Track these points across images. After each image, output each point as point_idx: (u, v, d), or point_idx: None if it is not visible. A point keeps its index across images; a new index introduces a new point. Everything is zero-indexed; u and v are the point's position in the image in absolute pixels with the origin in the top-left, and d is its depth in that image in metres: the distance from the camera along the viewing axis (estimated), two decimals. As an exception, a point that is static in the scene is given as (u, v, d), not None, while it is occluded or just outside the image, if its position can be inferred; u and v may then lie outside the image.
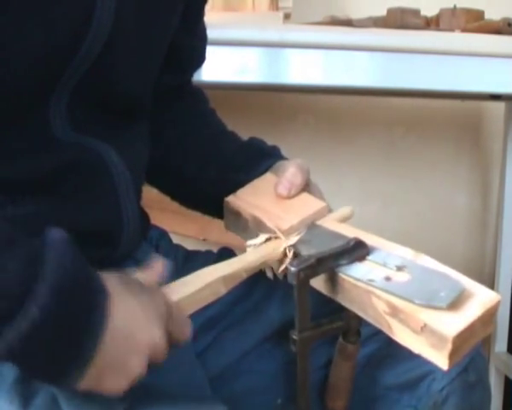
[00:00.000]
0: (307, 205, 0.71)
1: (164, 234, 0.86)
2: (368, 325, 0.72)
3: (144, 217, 0.81)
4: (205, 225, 1.46)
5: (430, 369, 0.77)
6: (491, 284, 1.64)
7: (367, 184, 1.77)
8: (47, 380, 0.52)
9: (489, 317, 0.56)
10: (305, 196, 0.73)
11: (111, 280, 0.52)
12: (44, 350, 0.48)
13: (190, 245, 0.88)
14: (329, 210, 0.72)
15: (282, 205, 0.72)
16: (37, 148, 0.62)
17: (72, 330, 0.49)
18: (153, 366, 0.54)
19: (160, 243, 0.84)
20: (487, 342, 1.68)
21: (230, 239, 0.78)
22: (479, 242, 1.84)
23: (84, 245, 0.65)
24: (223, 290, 0.63)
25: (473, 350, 0.78)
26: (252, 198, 0.74)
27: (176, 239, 0.88)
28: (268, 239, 0.68)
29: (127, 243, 0.70)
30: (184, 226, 1.44)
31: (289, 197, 0.72)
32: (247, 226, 0.72)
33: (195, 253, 0.86)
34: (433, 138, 1.78)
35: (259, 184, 0.76)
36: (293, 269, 0.60)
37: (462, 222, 1.83)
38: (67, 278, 0.48)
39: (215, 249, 0.87)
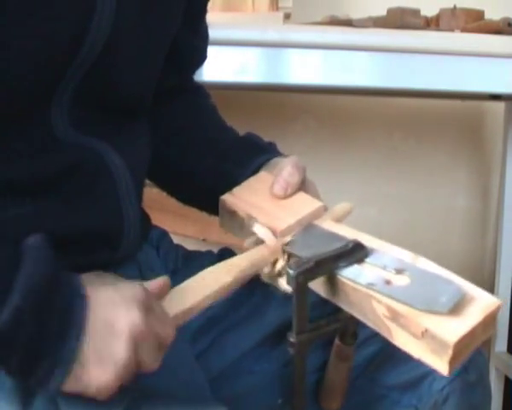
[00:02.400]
0: (304, 205, 0.71)
1: (164, 234, 0.86)
2: (368, 326, 0.72)
3: (145, 218, 0.81)
4: (205, 225, 1.46)
5: (430, 369, 0.77)
6: (491, 284, 1.64)
7: (366, 185, 1.77)
8: (35, 381, 0.51)
9: (489, 321, 0.56)
10: (301, 195, 0.72)
11: (87, 278, 0.54)
12: (24, 350, 0.49)
13: (190, 245, 0.88)
14: (326, 209, 0.72)
15: (278, 204, 0.71)
16: (39, 149, 0.62)
17: (51, 329, 0.49)
18: (144, 359, 0.53)
19: (161, 243, 0.83)
20: (487, 342, 1.68)
21: (230, 239, 0.77)
22: (479, 243, 1.84)
23: (85, 246, 0.65)
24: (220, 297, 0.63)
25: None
26: (248, 197, 0.73)
27: (176, 239, 0.88)
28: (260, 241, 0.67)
29: (128, 244, 0.70)
30: (185, 227, 1.44)
31: (285, 197, 0.71)
32: (242, 225, 0.71)
33: (195, 253, 0.86)
34: (433, 139, 1.78)
35: (255, 182, 0.75)
36: (292, 272, 0.59)
37: (461, 223, 1.83)
38: (40, 283, 0.50)
39: (215, 250, 0.87)
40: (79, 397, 0.58)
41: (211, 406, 0.64)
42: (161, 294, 0.59)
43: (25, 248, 0.52)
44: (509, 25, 1.21)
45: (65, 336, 0.50)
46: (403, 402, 0.79)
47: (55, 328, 0.50)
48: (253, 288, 0.80)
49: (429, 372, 0.77)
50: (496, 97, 1.49)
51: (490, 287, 1.60)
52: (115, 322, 0.52)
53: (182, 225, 1.42)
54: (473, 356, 0.77)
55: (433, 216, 1.80)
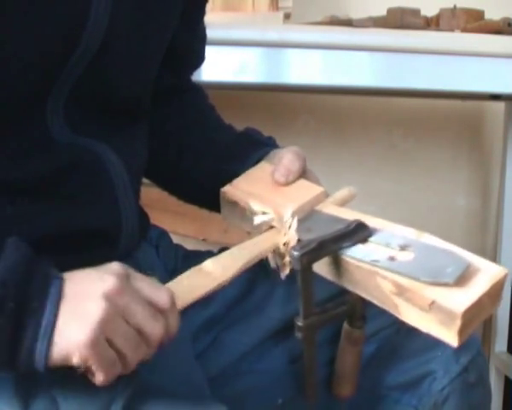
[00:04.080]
0: (305, 191, 0.71)
1: (164, 234, 0.86)
2: (368, 324, 0.72)
3: (144, 217, 0.81)
4: (205, 225, 1.46)
5: (431, 369, 0.77)
6: (491, 284, 1.64)
7: (366, 185, 1.77)
8: (20, 361, 0.52)
9: (496, 291, 0.55)
10: (302, 182, 0.73)
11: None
12: (6, 323, 0.50)
13: (190, 245, 0.88)
14: (327, 195, 0.72)
15: (279, 192, 0.71)
16: (36, 149, 0.62)
17: (29, 304, 0.51)
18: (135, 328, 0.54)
19: (160, 243, 0.83)
20: (487, 342, 1.68)
21: (230, 239, 0.78)
22: (479, 242, 1.84)
23: (84, 245, 0.65)
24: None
25: (473, 350, 0.78)
26: (248, 187, 0.73)
27: (176, 239, 0.88)
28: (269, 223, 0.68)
29: (126, 242, 0.70)
30: (184, 226, 1.44)
31: (287, 184, 0.72)
32: (244, 215, 0.71)
33: (195, 253, 0.86)
34: (433, 139, 1.78)
35: (255, 172, 0.76)
36: (296, 254, 0.59)
37: (461, 223, 1.83)
38: (19, 265, 0.52)
39: (215, 249, 0.87)
40: (79, 396, 0.58)
41: (210, 405, 0.64)
42: None
43: (5, 243, 0.53)
44: (509, 25, 1.21)
45: (42, 309, 0.52)
46: (403, 402, 0.79)
47: (34, 303, 0.52)
48: (254, 287, 0.80)
49: (429, 372, 0.77)
50: (496, 97, 1.50)
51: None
52: (89, 288, 0.54)
53: (181, 225, 1.42)
54: (473, 356, 0.78)
55: (432, 216, 1.80)
